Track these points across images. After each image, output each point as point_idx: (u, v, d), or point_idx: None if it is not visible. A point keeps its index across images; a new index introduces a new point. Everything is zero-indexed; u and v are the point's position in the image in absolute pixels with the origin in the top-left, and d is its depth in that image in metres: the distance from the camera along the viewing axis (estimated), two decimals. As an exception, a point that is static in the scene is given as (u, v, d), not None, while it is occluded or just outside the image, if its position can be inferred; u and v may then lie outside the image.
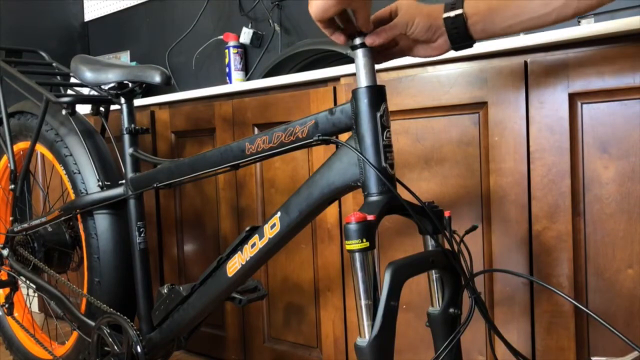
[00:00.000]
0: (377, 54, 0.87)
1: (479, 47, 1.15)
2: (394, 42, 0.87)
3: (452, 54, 1.17)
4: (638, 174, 1.03)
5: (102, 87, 1.38)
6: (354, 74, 1.29)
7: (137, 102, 1.81)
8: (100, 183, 1.36)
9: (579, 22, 1.30)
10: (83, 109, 1.64)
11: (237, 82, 2.10)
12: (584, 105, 1.07)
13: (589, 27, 1.03)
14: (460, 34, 0.80)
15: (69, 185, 1.42)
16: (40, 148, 1.51)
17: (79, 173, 1.39)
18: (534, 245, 1.13)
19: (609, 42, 1.03)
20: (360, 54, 0.81)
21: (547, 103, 1.09)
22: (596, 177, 1.06)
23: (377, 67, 0.84)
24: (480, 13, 0.78)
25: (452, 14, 0.79)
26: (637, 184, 1.03)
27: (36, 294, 1.65)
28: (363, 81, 0.81)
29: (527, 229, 1.13)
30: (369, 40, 0.80)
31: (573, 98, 1.07)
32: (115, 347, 1.23)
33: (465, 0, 0.79)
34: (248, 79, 2.22)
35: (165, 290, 1.19)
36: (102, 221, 1.35)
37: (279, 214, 0.92)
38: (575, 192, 1.08)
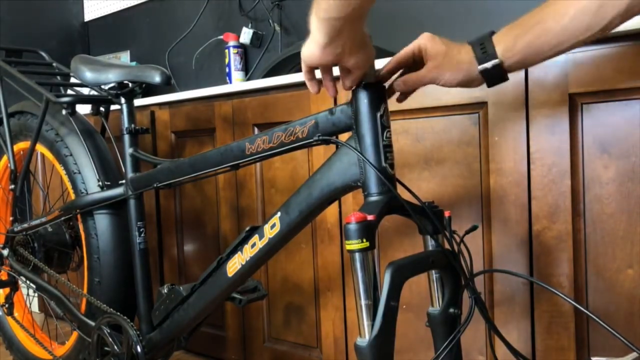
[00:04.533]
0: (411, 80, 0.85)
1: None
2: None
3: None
4: (638, 174, 1.03)
5: (102, 87, 1.38)
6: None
7: (137, 102, 1.81)
8: (100, 183, 1.36)
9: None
10: (83, 109, 1.64)
11: (237, 82, 2.10)
12: (584, 105, 1.07)
13: (589, 27, 1.03)
14: (498, 78, 0.78)
15: (69, 185, 1.42)
16: (40, 148, 1.51)
17: (79, 173, 1.39)
18: (534, 245, 1.13)
19: (609, 42, 1.03)
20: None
21: (547, 103, 1.09)
22: (596, 177, 1.06)
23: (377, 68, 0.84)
24: (515, 53, 0.76)
25: (488, 65, 0.77)
26: (637, 184, 1.03)
27: (36, 294, 1.65)
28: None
29: (527, 229, 1.13)
30: (397, 85, 0.82)
31: (573, 98, 1.07)
32: (115, 347, 1.23)
33: (495, 43, 0.76)
34: (248, 79, 2.22)
35: (165, 290, 1.19)
36: (102, 221, 1.35)
37: (279, 214, 0.92)
38: (575, 192, 1.08)
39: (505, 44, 0.76)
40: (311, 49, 0.73)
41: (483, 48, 0.77)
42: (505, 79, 0.78)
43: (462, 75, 0.79)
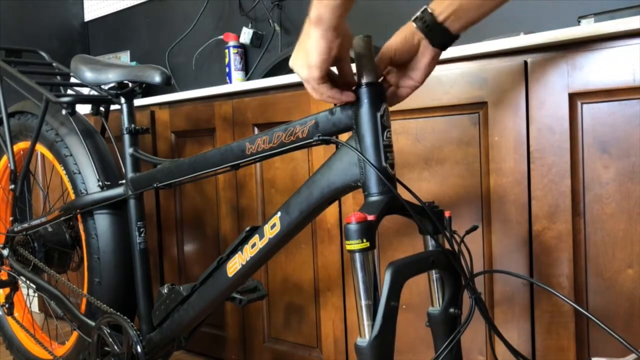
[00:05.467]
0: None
1: (478, 47, 1.15)
2: (392, 86, 0.87)
3: (451, 54, 1.17)
4: (638, 174, 1.03)
5: (102, 87, 1.38)
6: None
7: (137, 102, 1.81)
8: (100, 183, 1.36)
9: (579, 22, 1.30)
10: (83, 109, 1.64)
11: (237, 82, 2.10)
12: (584, 105, 1.07)
13: (588, 27, 1.03)
14: (434, 29, 0.79)
15: (69, 185, 1.42)
16: (40, 148, 1.51)
17: (79, 173, 1.39)
18: (534, 246, 1.13)
19: (609, 42, 1.03)
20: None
21: (547, 103, 1.09)
22: (596, 177, 1.06)
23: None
24: (446, 5, 0.78)
25: (418, 13, 0.81)
26: (637, 184, 1.03)
27: (36, 294, 1.65)
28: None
29: (527, 229, 1.13)
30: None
31: (573, 98, 1.07)
32: (116, 347, 1.23)
33: (431, 3, 0.80)
34: (248, 79, 2.22)
35: (166, 290, 1.19)
36: (102, 221, 1.35)
37: (279, 214, 0.92)
38: (575, 192, 1.08)
39: (437, 3, 0.79)
40: (318, 45, 0.72)
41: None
42: (446, 34, 0.80)
43: (403, 34, 0.81)
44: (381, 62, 0.82)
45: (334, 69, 0.81)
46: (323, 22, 0.70)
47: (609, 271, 1.07)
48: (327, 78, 0.78)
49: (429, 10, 0.79)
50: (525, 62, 1.11)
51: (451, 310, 0.83)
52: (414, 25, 0.80)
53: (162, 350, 1.23)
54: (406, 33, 0.81)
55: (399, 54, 0.82)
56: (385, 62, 0.83)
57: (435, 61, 0.84)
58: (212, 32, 2.34)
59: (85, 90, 1.78)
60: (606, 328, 0.70)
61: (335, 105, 0.84)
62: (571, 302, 0.76)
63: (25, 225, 1.52)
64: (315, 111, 0.94)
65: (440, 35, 0.80)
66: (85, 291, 1.41)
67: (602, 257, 1.07)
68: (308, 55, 0.74)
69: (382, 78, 0.85)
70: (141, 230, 1.27)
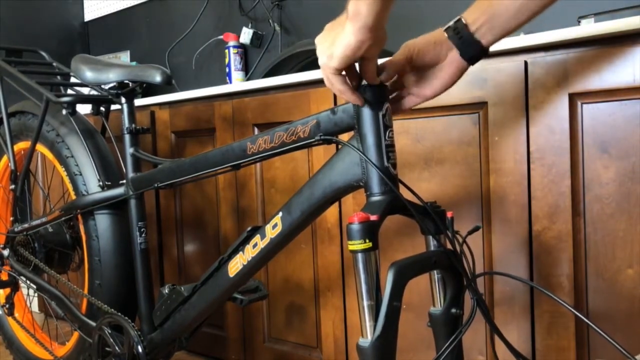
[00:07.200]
0: (395, 107, 0.85)
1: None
2: (405, 90, 0.84)
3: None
4: (638, 174, 1.03)
5: (103, 86, 1.38)
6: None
7: (137, 102, 1.81)
8: (101, 183, 1.36)
9: (579, 22, 1.30)
10: (83, 109, 1.64)
11: (237, 82, 2.10)
12: (584, 105, 1.07)
13: (589, 27, 1.04)
14: (466, 40, 0.76)
15: (69, 185, 1.42)
16: (40, 148, 1.51)
17: (80, 174, 1.39)
18: (534, 246, 1.13)
19: (609, 42, 1.04)
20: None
21: (547, 103, 1.09)
22: (596, 177, 1.07)
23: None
24: (480, 13, 0.75)
25: (451, 23, 0.77)
26: (637, 184, 1.03)
27: (36, 294, 1.64)
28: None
29: (527, 229, 1.14)
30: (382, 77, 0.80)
31: (573, 98, 1.07)
32: (117, 348, 1.23)
33: (464, 13, 0.77)
34: (248, 79, 2.22)
35: (167, 291, 1.19)
36: (102, 221, 1.35)
37: (280, 214, 0.92)
38: (575, 192, 1.08)
39: (471, 10, 0.76)
40: (348, 39, 0.68)
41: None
42: (478, 46, 0.76)
43: (431, 41, 0.78)
44: (399, 57, 0.79)
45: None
46: (359, 18, 0.66)
47: (609, 271, 1.07)
48: (346, 71, 0.75)
49: (463, 20, 0.76)
50: (526, 62, 1.11)
51: (453, 310, 0.83)
52: (445, 34, 0.77)
53: (163, 351, 1.23)
54: (435, 38, 0.78)
55: (421, 55, 0.78)
56: (402, 59, 0.79)
57: (460, 75, 0.80)
58: (212, 32, 2.34)
59: (85, 90, 1.78)
60: (603, 334, 0.69)
61: (335, 105, 0.84)
62: (571, 308, 0.76)
63: (26, 225, 1.52)
64: (316, 111, 0.94)
65: (471, 47, 0.76)
66: (85, 292, 1.41)
67: (602, 257, 1.07)
68: (334, 44, 0.71)
69: (394, 78, 0.83)
70: (142, 230, 1.27)
